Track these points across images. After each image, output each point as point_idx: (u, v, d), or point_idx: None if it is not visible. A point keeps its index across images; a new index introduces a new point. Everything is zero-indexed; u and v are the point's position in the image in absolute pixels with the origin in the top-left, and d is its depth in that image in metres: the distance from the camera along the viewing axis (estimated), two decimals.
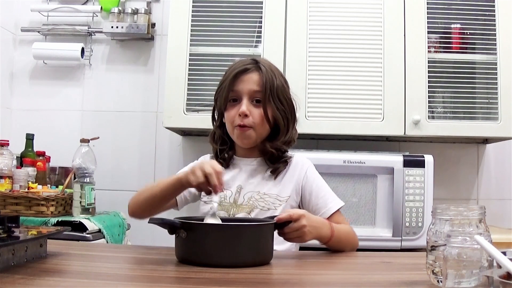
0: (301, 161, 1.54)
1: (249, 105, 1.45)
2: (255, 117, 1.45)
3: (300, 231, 1.25)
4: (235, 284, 0.95)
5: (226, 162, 1.53)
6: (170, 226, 1.12)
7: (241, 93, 1.46)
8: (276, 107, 1.46)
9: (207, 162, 1.27)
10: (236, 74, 1.46)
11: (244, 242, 1.10)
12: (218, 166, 1.26)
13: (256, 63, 1.48)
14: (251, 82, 1.45)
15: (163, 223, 1.11)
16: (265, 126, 1.48)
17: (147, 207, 1.44)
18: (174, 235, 1.13)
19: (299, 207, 1.51)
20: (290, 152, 1.56)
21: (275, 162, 1.50)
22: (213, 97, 1.57)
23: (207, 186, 1.25)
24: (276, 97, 1.46)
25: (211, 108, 1.59)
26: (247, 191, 1.49)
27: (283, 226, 1.24)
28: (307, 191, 1.49)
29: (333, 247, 1.38)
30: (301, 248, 1.56)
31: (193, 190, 1.48)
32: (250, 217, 1.45)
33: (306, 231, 1.26)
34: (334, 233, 1.35)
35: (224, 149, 1.54)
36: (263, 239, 1.13)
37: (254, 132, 1.46)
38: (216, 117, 1.56)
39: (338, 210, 1.48)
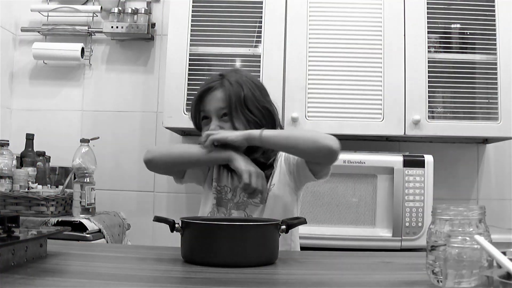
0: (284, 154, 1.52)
1: (219, 122, 1.45)
2: None
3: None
4: (235, 284, 0.95)
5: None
6: (174, 225, 1.14)
7: (209, 112, 1.46)
8: (247, 119, 1.44)
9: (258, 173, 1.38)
10: (202, 94, 1.47)
11: (250, 242, 1.10)
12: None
13: (221, 79, 1.47)
14: (215, 100, 1.45)
15: (170, 222, 1.14)
16: None
17: (169, 166, 1.52)
18: (177, 236, 1.14)
19: (297, 183, 1.51)
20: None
21: (264, 170, 1.45)
22: None
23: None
24: (245, 108, 1.44)
25: None
26: None
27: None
28: (291, 161, 1.48)
29: (284, 143, 1.41)
30: (302, 248, 1.56)
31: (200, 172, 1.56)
32: (253, 217, 1.45)
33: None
34: (267, 132, 1.37)
35: None
36: (268, 239, 1.14)
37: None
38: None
39: None
